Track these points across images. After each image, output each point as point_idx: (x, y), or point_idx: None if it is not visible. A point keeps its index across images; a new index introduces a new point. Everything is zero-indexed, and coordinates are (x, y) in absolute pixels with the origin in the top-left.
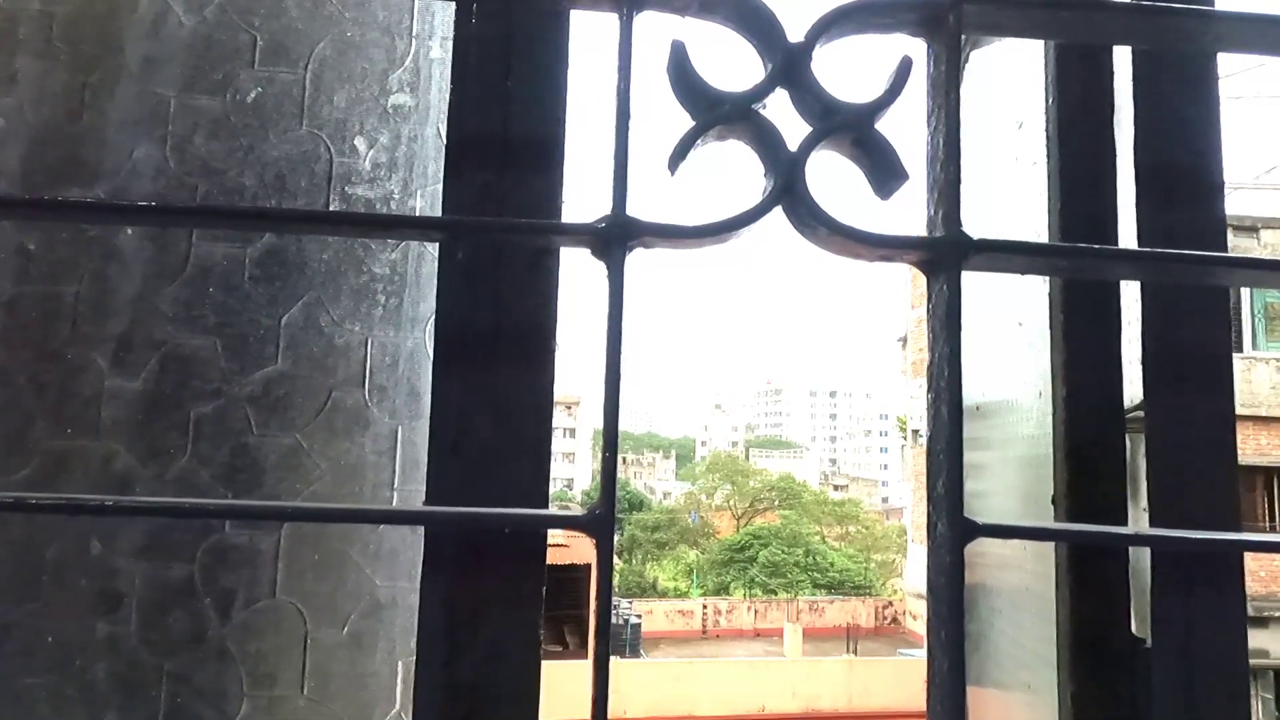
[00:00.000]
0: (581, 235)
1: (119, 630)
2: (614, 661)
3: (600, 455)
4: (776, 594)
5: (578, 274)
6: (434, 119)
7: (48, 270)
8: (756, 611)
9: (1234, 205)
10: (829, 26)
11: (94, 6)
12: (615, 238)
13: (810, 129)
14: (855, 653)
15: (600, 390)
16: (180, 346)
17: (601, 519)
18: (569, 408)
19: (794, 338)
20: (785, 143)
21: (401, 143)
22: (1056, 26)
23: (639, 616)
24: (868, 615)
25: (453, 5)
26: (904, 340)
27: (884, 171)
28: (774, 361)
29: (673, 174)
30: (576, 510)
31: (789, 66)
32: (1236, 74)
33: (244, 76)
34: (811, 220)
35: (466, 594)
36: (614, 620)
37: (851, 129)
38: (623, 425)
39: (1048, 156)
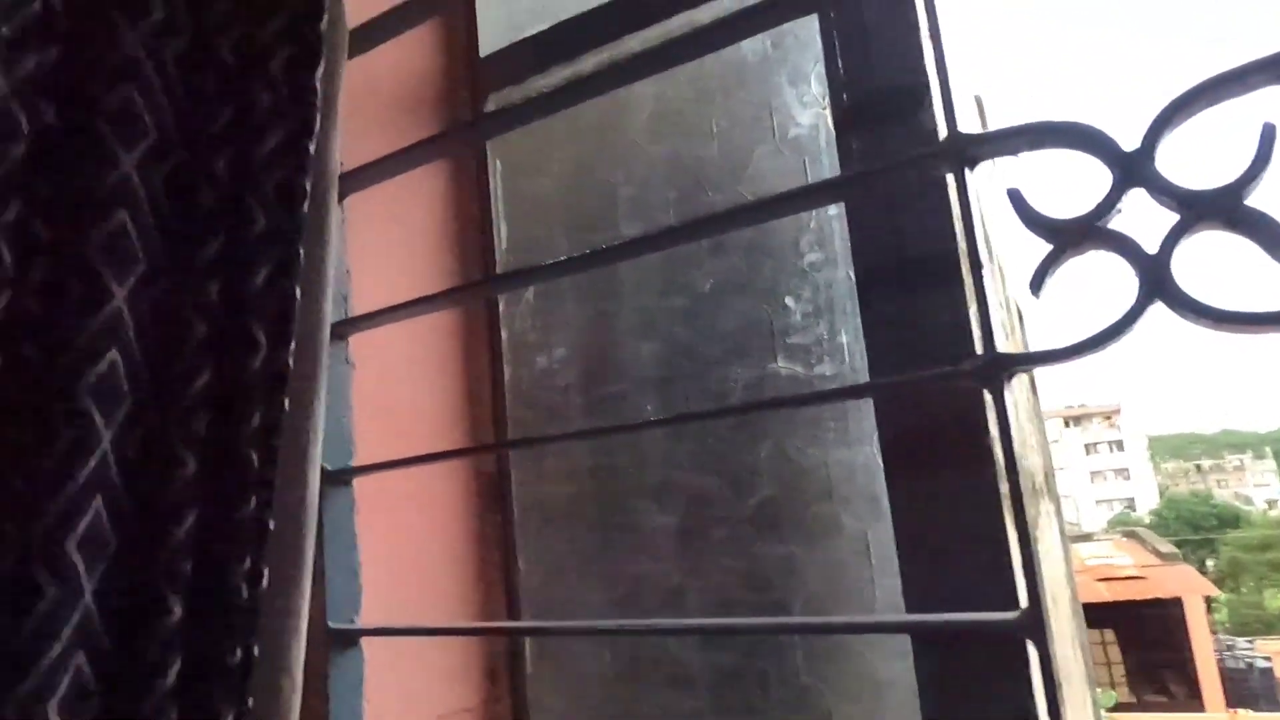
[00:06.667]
0: (964, 374)
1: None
2: (1242, 715)
3: (1157, 468)
4: None
5: None
6: (842, 264)
7: None
8: None
9: None
10: (1167, 123)
11: None
12: (991, 376)
13: (1173, 220)
14: None
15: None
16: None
17: (1028, 616)
18: (1108, 417)
19: None
20: (1143, 247)
21: (820, 292)
22: None
23: (1267, 659)
24: None
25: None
26: None
27: (1271, 242)
28: None
29: (1037, 297)
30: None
31: (1131, 175)
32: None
33: (699, 271)
34: (1192, 315)
35: (953, 682)
36: (1234, 664)
37: (1219, 214)
38: (1186, 426)
39: None
